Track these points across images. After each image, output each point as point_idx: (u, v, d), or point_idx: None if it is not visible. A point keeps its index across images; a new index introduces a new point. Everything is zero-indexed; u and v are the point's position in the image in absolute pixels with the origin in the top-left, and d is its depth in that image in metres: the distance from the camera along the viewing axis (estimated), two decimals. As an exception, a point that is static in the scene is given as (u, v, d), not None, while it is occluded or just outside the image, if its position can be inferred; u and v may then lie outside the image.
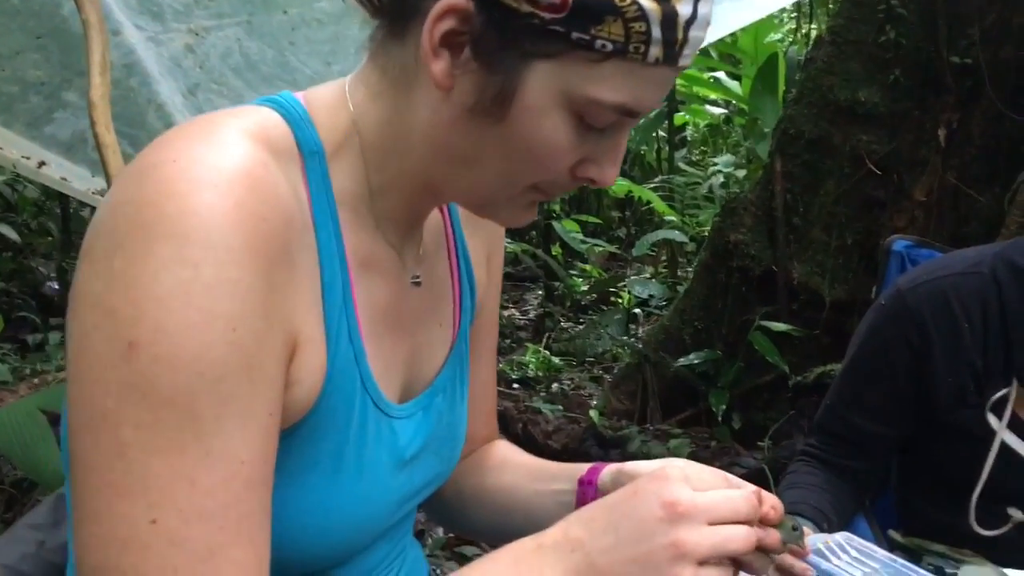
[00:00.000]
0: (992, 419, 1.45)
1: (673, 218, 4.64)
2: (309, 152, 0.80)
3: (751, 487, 0.90)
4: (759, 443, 2.88)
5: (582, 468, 1.02)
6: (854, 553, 1.29)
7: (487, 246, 1.07)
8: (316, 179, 0.79)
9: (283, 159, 0.76)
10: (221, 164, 0.68)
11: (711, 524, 0.72)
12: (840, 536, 1.34)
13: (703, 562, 0.71)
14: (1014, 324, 1.44)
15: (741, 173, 4.40)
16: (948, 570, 1.46)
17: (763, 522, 0.87)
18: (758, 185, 3.24)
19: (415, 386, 0.94)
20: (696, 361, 3.18)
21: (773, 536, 0.87)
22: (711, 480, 0.90)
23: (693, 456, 2.86)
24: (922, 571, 1.25)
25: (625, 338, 3.68)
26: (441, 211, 1.00)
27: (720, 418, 3.11)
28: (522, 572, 0.72)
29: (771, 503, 0.88)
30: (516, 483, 1.09)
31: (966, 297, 1.47)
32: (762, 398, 3.20)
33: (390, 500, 0.89)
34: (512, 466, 1.12)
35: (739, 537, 0.73)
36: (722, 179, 4.51)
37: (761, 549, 0.87)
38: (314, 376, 0.77)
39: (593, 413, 3.17)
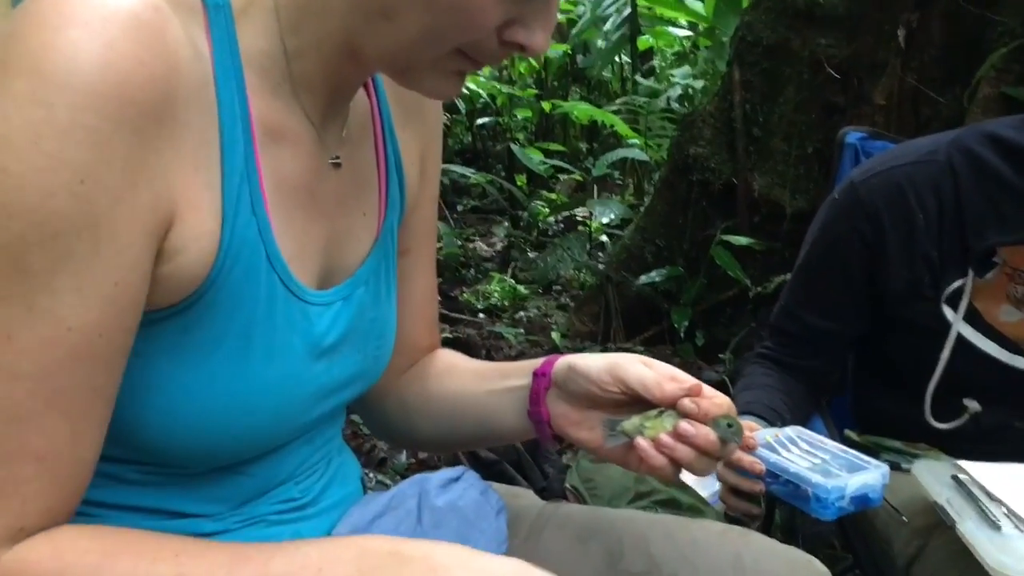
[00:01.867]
0: (948, 311, 1.45)
1: (636, 141, 4.59)
2: (213, 5, 0.75)
3: (693, 381, 0.89)
4: (721, 357, 2.89)
5: (536, 362, 1.00)
6: (804, 446, 1.29)
7: (420, 144, 1.04)
8: (220, 35, 0.75)
9: (182, 9, 0.72)
10: (102, 1, 0.64)
11: None
12: (790, 429, 1.35)
13: None
14: (969, 213, 1.43)
15: (699, 84, 4.34)
16: (904, 465, 1.47)
17: (698, 419, 0.86)
18: (716, 96, 3.20)
19: (336, 274, 0.91)
20: (658, 279, 3.17)
21: (704, 434, 0.86)
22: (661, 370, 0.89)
23: (655, 372, 2.86)
24: (874, 460, 1.26)
25: (587, 259, 3.65)
26: (369, 96, 0.96)
27: (683, 335, 3.12)
28: (364, 568, 0.69)
29: (711, 401, 0.87)
30: (464, 387, 1.08)
31: (921, 186, 1.46)
32: (725, 314, 3.20)
33: (306, 391, 0.86)
34: (459, 371, 1.10)
35: None
36: (679, 91, 4.45)
37: (699, 450, 0.86)
38: (204, 246, 0.73)
39: (555, 335, 3.16)
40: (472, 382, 1.07)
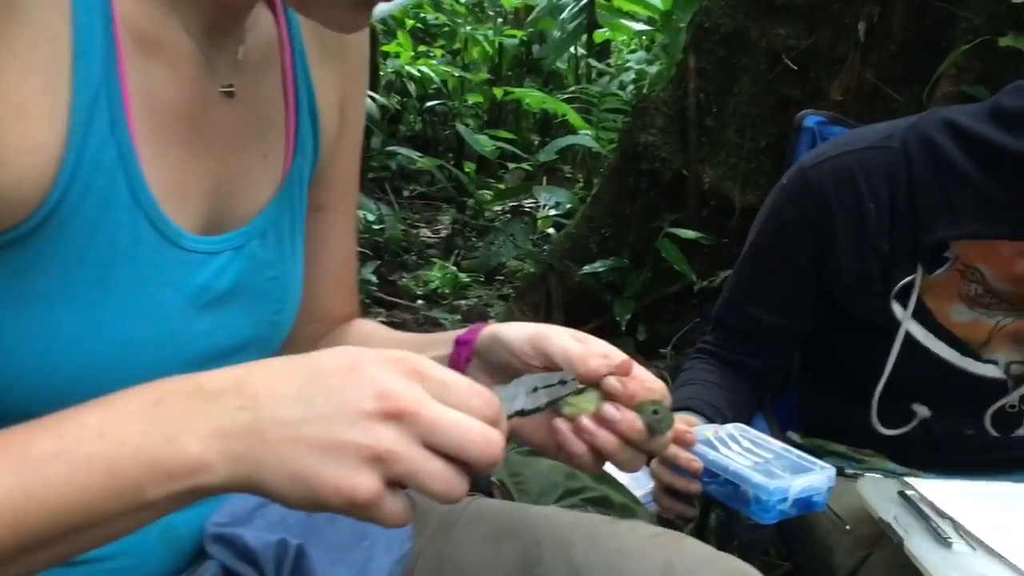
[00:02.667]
0: (897, 308, 1.38)
1: (588, 131, 4.53)
2: None
3: (624, 358, 0.78)
4: (661, 351, 2.82)
5: (461, 331, 0.90)
6: (746, 444, 1.21)
7: (341, 86, 0.93)
8: None
9: None
10: None
11: (429, 445, 0.57)
12: (732, 427, 1.26)
13: (395, 481, 0.57)
14: (923, 203, 1.35)
15: (653, 69, 4.27)
16: (848, 471, 1.40)
17: (623, 401, 0.76)
18: (671, 84, 3.13)
19: (226, 222, 0.80)
20: (602, 269, 3.09)
21: (629, 419, 0.76)
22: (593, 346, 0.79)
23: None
24: (819, 461, 1.18)
25: (529, 247, 3.56)
26: (278, 23, 0.86)
27: (625, 329, 3.04)
28: (161, 417, 0.58)
29: (641, 383, 0.77)
30: None
31: (873, 173, 1.38)
32: (669, 309, 3.13)
33: (182, 354, 0.75)
34: (377, 340, 1.01)
35: (451, 481, 0.58)
36: (633, 75, 4.38)
37: (623, 438, 0.76)
38: (35, 163, 0.62)
39: (493, 320, 3.06)
40: None
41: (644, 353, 3.04)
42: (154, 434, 0.56)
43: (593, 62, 4.84)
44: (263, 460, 0.56)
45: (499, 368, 0.85)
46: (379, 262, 4.46)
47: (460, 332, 0.89)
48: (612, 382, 0.76)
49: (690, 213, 3.05)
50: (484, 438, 0.58)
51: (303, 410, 0.57)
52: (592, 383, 0.78)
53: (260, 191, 0.84)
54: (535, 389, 0.74)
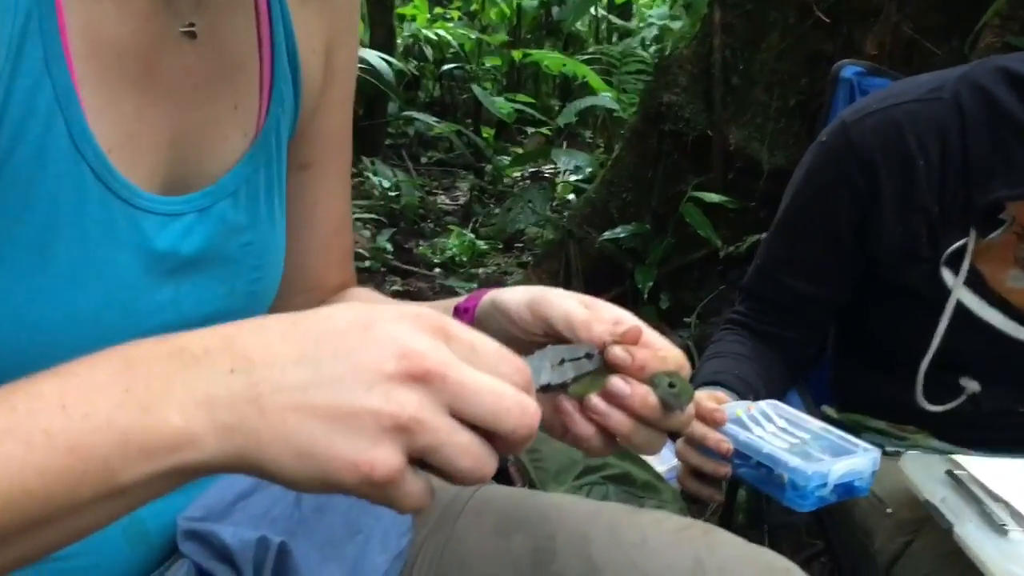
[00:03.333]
0: (947, 274, 1.28)
1: (608, 94, 4.41)
2: None
3: (632, 322, 0.68)
4: (685, 320, 2.71)
5: (460, 298, 0.81)
6: (781, 423, 1.11)
7: (326, 29, 0.84)
8: None
9: None
10: None
11: (457, 414, 0.49)
12: (765, 404, 1.16)
13: (419, 459, 0.49)
14: (977, 160, 1.25)
15: (677, 25, 4.13)
16: (888, 449, 1.30)
17: (632, 373, 0.66)
18: (695, 40, 3.00)
19: (190, 179, 0.72)
20: (623, 235, 2.98)
21: (641, 395, 0.65)
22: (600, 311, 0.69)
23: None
24: (861, 443, 1.08)
25: (548, 213, 3.45)
26: None
27: (647, 297, 2.94)
28: (135, 383, 0.48)
29: (653, 352, 0.66)
30: None
31: (923, 128, 1.27)
32: (693, 276, 3.02)
33: (140, 326, 0.67)
34: None
35: (481, 456, 0.50)
36: (656, 31, 4.24)
37: (635, 416, 0.67)
38: None
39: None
40: None
41: (667, 322, 2.94)
42: (127, 404, 0.47)
43: (614, 19, 4.69)
44: (261, 432, 0.47)
45: (500, 337, 0.75)
46: (394, 230, 4.38)
47: (459, 299, 0.80)
48: (618, 351, 0.66)
49: (715, 176, 2.93)
50: (520, 407, 0.50)
51: (309, 372, 0.48)
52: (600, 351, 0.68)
53: (230, 146, 0.75)
54: (562, 362, 0.65)
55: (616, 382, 0.65)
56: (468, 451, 0.49)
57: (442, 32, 6.36)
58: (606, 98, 3.83)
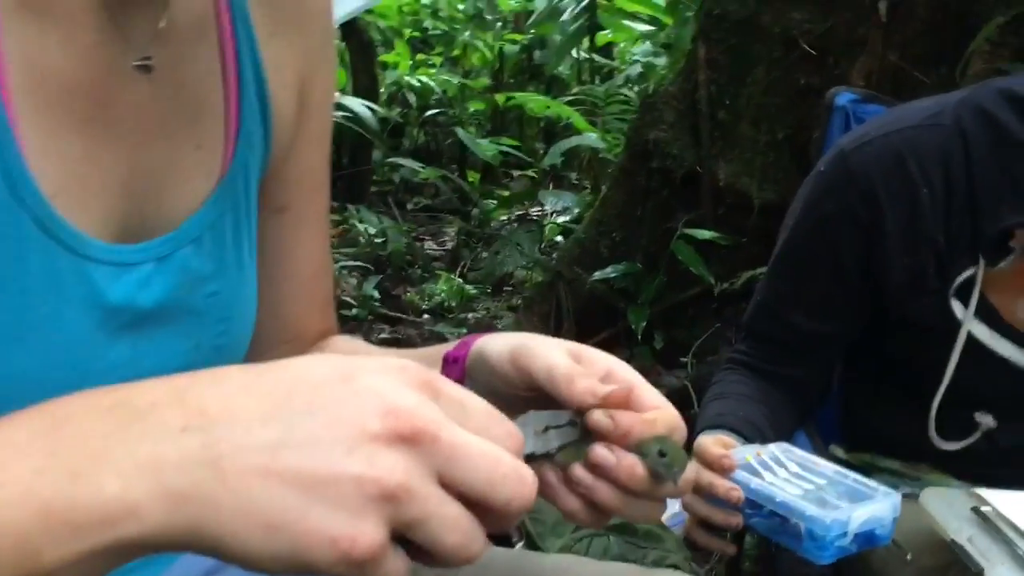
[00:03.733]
0: (957, 306, 1.24)
1: (593, 134, 4.39)
2: None
3: (625, 381, 0.62)
4: (682, 360, 2.65)
5: (449, 345, 0.75)
6: (793, 467, 1.05)
7: (299, 63, 0.79)
8: None
9: None
10: None
11: (446, 481, 0.43)
12: (775, 447, 1.10)
13: (401, 536, 0.43)
14: (982, 185, 1.20)
15: (661, 62, 4.12)
16: (903, 490, 1.24)
17: (616, 441, 0.59)
18: (680, 76, 2.97)
19: (147, 226, 0.66)
20: (613, 275, 2.92)
21: (627, 465, 0.58)
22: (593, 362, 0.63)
23: (609, 378, 2.62)
24: (880, 486, 1.02)
25: (536, 255, 3.40)
26: None
27: (640, 337, 2.88)
28: (63, 446, 0.41)
29: (639, 417, 0.59)
30: None
31: (925, 155, 1.23)
32: (686, 315, 2.97)
33: (96, 383, 0.60)
34: None
35: (470, 531, 0.44)
36: (640, 69, 4.23)
37: (622, 488, 0.59)
38: None
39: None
40: None
41: (662, 362, 2.88)
42: (51, 469, 0.40)
43: (598, 57, 4.68)
44: (220, 501, 0.40)
45: (485, 393, 0.69)
46: (381, 276, 4.32)
47: (448, 346, 0.73)
48: (599, 417, 0.59)
49: (705, 212, 2.89)
50: (517, 474, 0.44)
51: (278, 431, 0.41)
52: (579, 412, 0.61)
53: (193, 189, 0.70)
54: (545, 429, 0.59)
55: (599, 452, 0.58)
56: (457, 525, 0.42)
57: (425, 79, 6.36)
58: (591, 137, 3.80)
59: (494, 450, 0.43)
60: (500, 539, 1.35)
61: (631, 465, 0.58)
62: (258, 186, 0.76)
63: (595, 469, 0.58)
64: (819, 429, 1.47)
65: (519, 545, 1.72)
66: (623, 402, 0.59)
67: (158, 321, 0.66)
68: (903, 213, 1.23)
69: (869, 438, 1.39)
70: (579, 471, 0.59)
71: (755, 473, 1.03)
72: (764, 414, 1.29)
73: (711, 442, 1.08)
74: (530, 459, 0.57)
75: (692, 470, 0.62)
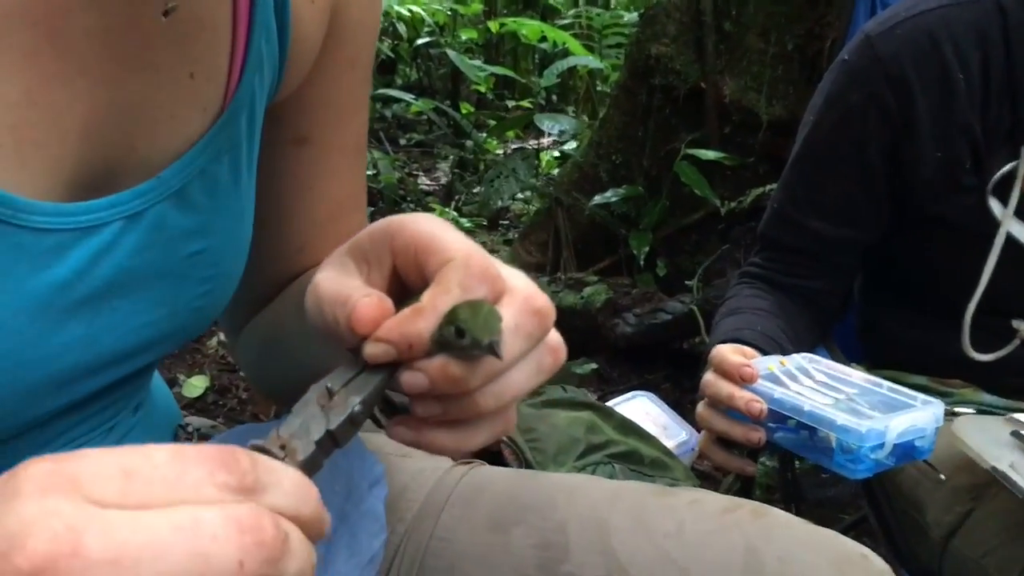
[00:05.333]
0: (995, 204, 1.14)
1: (590, 57, 4.26)
2: None
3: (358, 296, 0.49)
4: (687, 283, 2.56)
5: None
6: (821, 377, 0.95)
7: None
8: None
9: None
10: None
11: None
12: (800, 357, 1.00)
13: None
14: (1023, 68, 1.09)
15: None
16: (936, 404, 1.15)
17: (411, 355, 0.47)
18: (683, -15, 2.84)
19: (118, 175, 0.56)
20: (614, 200, 2.82)
21: (434, 371, 0.47)
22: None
23: (611, 303, 2.53)
24: (919, 395, 0.93)
25: (533, 181, 3.28)
26: None
27: (643, 264, 2.78)
28: None
29: (400, 317, 0.47)
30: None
31: (960, 36, 1.14)
32: (690, 240, 2.87)
33: (39, 373, 0.53)
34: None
35: None
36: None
37: (456, 396, 0.48)
38: None
39: (497, 265, 2.79)
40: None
41: (665, 290, 2.78)
42: None
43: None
44: None
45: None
46: (373, 209, 4.22)
47: None
48: (369, 351, 0.47)
49: (710, 131, 2.77)
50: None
51: None
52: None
53: (179, 128, 0.59)
54: (330, 395, 0.47)
55: (405, 380, 0.47)
56: None
57: (415, 7, 6.17)
58: (589, 58, 3.66)
59: (160, 536, 0.32)
60: (494, 461, 1.25)
61: (439, 368, 0.46)
62: (268, 113, 0.66)
63: (419, 398, 0.49)
64: (839, 345, 1.38)
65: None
66: (375, 317, 0.47)
67: (123, 290, 0.56)
68: (936, 101, 1.13)
69: (893, 353, 1.30)
70: (417, 406, 0.49)
71: (779, 384, 0.94)
72: (782, 328, 1.20)
73: (729, 350, 0.99)
74: (328, 445, 0.45)
75: (514, 334, 0.48)
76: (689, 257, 2.86)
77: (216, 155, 0.60)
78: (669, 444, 1.86)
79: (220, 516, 0.32)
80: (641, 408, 2.04)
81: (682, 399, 2.35)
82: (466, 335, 0.45)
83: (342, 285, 0.49)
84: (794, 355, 1.01)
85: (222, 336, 2.58)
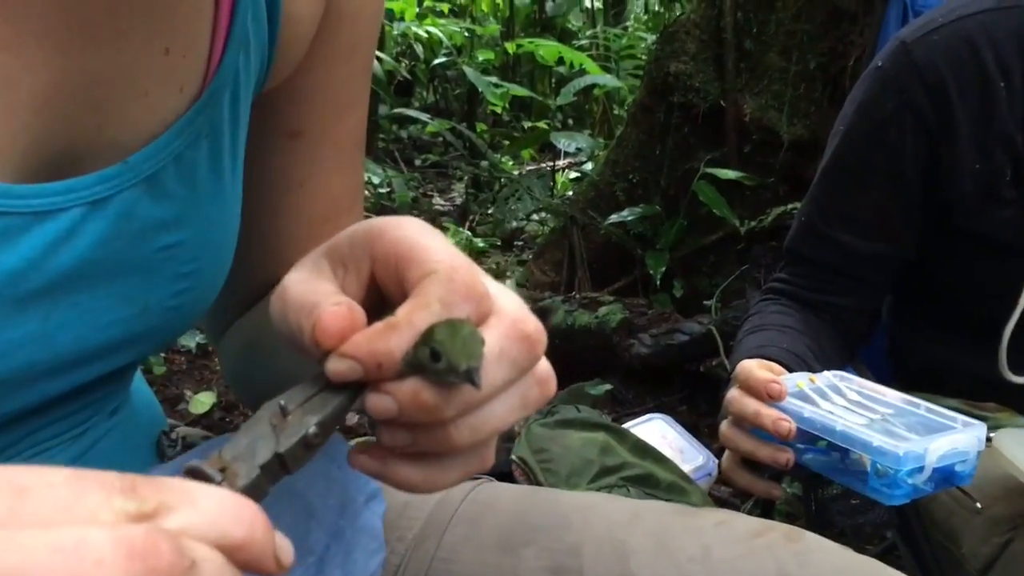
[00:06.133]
0: (1035, 220, 1.08)
1: (608, 76, 4.23)
2: None
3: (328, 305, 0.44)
4: (705, 303, 2.50)
5: None
6: (853, 396, 0.90)
7: None
8: None
9: None
10: None
11: None
12: (831, 374, 0.95)
13: None
14: None
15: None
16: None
17: (379, 374, 0.42)
18: (703, 3, 2.79)
19: (83, 158, 0.52)
20: (630, 218, 2.76)
21: (405, 396, 0.41)
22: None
23: (627, 323, 2.47)
24: (959, 416, 0.87)
25: (550, 198, 3.24)
26: None
27: (659, 285, 2.72)
28: None
29: (370, 332, 0.42)
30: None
31: (1002, 42, 1.09)
32: (708, 261, 2.81)
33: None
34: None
35: None
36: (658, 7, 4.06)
37: (429, 424, 0.43)
38: None
39: (509, 284, 2.76)
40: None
41: (681, 312, 2.72)
42: None
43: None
44: None
45: None
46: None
47: None
48: (332, 367, 0.42)
49: (729, 150, 2.72)
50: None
51: None
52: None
53: (152, 107, 0.54)
54: (284, 414, 0.42)
55: (371, 403, 0.42)
56: None
57: (432, 28, 6.18)
58: (606, 76, 3.63)
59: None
60: (501, 477, 1.20)
61: (410, 393, 0.41)
62: (259, 103, 0.62)
63: (385, 425, 0.43)
64: (868, 367, 1.32)
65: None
66: (342, 328, 0.42)
67: (84, 283, 0.52)
68: (975, 110, 1.08)
69: (925, 375, 1.24)
70: (376, 436, 0.44)
71: (808, 402, 0.88)
72: (808, 345, 1.15)
73: (755, 366, 0.93)
74: (277, 467, 0.41)
75: (494, 358, 0.42)
76: (706, 278, 2.80)
77: (194, 140, 0.56)
78: (686, 468, 1.80)
79: (108, 538, 0.27)
80: (657, 431, 1.97)
81: (699, 423, 2.28)
82: (442, 358, 0.40)
83: (311, 290, 0.44)
84: (824, 372, 0.95)
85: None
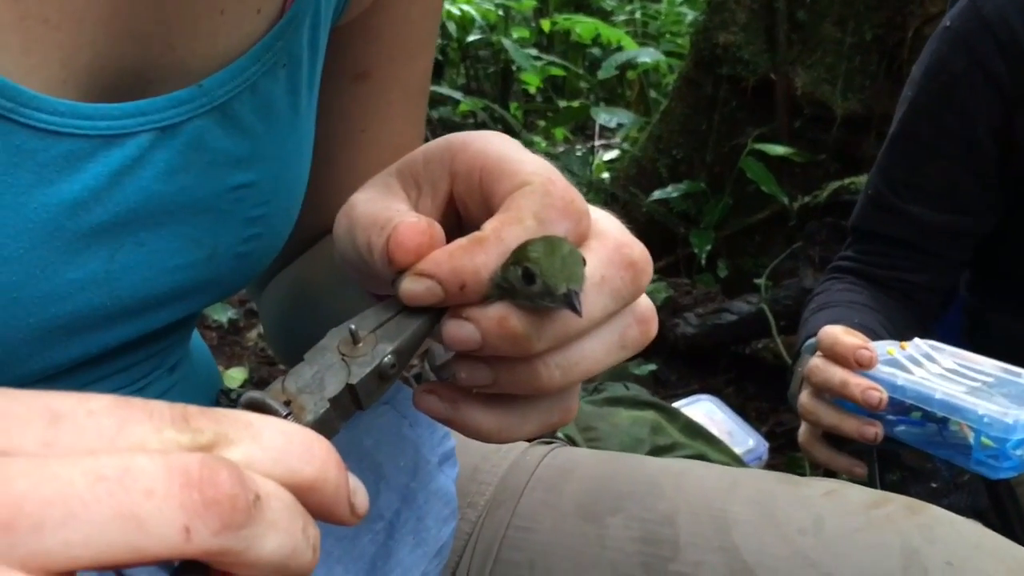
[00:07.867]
0: None
1: (651, 50, 4.17)
2: None
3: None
4: (755, 282, 2.43)
5: None
6: (948, 363, 0.84)
7: None
8: None
9: None
10: None
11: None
12: (922, 342, 0.89)
13: None
14: None
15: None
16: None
17: (462, 298, 0.37)
18: (754, -29, 2.71)
19: (151, 79, 0.48)
20: (674, 196, 2.70)
21: (490, 324, 0.37)
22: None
23: (671, 303, 2.41)
24: None
25: (589, 175, 3.18)
26: None
27: (703, 264, 2.66)
28: None
29: (452, 249, 0.37)
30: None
31: None
32: (754, 241, 2.74)
33: (42, 315, 0.44)
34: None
35: None
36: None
37: (512, 358, 0.38)
38: None
39: (548, 263, 2.69)
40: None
41: (726, 292, 2.66)
42: None
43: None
44: None
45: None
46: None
47: None
48: (405, 287, 0.37)
49: (779, 125, 2.63)
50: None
51: None
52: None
53: (229, 28, 0.50)
54: (355, 341, 0.37)
55: (448, 331, 0.37)
56: None
57: (465, 6, 6.13)
58: (649, 51, 3.57)
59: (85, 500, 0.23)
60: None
61: (497, 319, 0.36)
62: (329, 40, 0.58)
63: (463, 358, 0.38)
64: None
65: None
66: (421, 244, 0.37)
67: (151, 220, 0.47)
68: None
69: (1005, 351, 1.18)
70: (449, 370, 0.39)
71: (901, 369, 0.82)
72: (881, 322, 1.09)
73: (841, 331, 0.87)
74: (349, 402, 0.36)
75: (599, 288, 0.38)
76: (751, 258, 2.72)
77: (271, 68, 0.51)
78: (738, 451, 1.74)
79: (158, 465, 0.23)
80: (705, 412, 1.92)
81: (746, 406, 2.22)
82: (537, 279, 0.35)
83: (384, 207, 0.40)
84: (915, 339, 0.89)
85: (262, 328, 2.51)
